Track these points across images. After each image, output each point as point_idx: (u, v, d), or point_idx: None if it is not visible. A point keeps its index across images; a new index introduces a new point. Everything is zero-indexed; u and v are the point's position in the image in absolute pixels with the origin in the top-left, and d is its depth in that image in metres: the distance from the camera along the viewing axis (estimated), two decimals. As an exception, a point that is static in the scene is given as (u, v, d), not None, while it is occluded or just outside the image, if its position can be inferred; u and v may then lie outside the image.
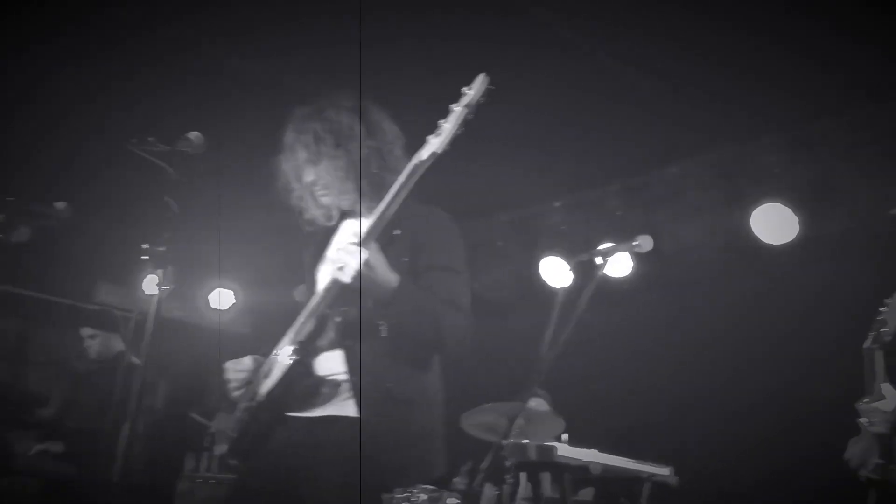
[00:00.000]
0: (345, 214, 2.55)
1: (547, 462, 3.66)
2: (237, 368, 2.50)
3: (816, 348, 4.49)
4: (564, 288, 5.07)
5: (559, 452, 3.64)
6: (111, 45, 4.33)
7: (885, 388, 2.83)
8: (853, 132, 4.57)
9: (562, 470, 3.72)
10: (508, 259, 6.30)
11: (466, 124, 2.25)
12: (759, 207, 4.75)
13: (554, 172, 5.50)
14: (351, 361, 2.37)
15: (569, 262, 5.69)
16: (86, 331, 5.51)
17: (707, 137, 4.88)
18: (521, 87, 4.11)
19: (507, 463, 3.59)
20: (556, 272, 5.88)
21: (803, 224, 4.70)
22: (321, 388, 2.39)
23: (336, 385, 2.38)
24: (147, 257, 2.19)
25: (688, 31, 4.00)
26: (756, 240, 4.80)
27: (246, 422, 2.45)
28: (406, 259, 2.38)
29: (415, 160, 2.26)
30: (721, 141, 4.95)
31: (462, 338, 2.41)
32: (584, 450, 3.77)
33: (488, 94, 2.24)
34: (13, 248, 3.20)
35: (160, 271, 2.19)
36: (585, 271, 3.83)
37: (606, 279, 5.06)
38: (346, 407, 2.36)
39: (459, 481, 4.37)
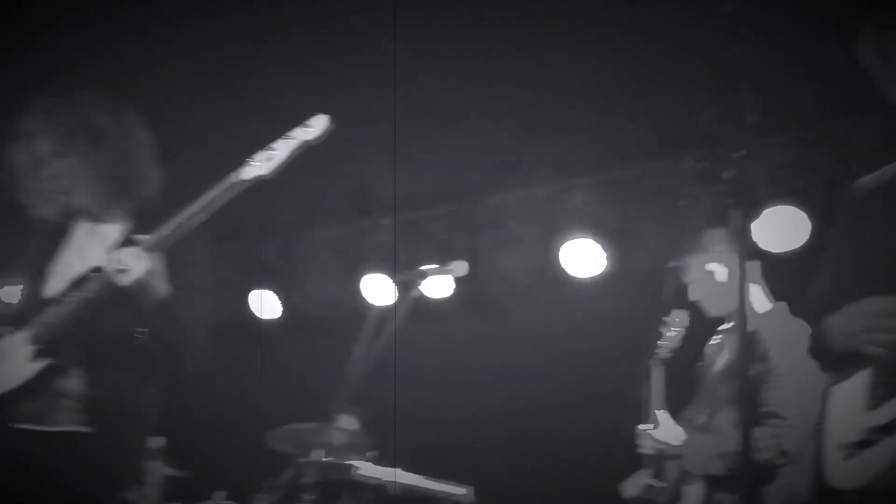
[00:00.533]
0: (87, 215, 2.43)
1: (345, 481, 3.67)
2: None
3: (610, 373, 4.78)
4: (382, 306, 5.13)
5: (359, 471, 3.66)
6: None
7: (661, 414, 3.08)
8: (658, 180, 4.95)
9: (361, 489, 3.74)
10: (331, 275, 6.27)
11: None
12: (570, 242, 5.03)
13: (382, 192, 5.56)
14: (94, 376, 2.26)
15: (392, 281, 5.76)
16: None
17: (525, 173, 5.13)
18: (349, 108, 4.13)
19: (303, 481, 3.56)
20: (378, 290, 5.91)
21: (610, 260, 5.02)
22: (60, 401, 2.24)
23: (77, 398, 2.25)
24: None
25: (511, 69, 4.18)
26: (564, 272, 5.07)
27: None
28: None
29: (233, 178, 2.21)
30: (539, 177, 5.21)
31: (201, 361, 2.41)
32: (385, 468, 3.81)
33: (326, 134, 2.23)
34: None
35: None
36: (406, 290, 3.90)
37: (426, 299, 5.21)
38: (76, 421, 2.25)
39: (262, 497, 4.28)
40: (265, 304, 6.40)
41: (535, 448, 5.03)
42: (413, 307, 3.74)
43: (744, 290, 1.37)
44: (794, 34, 3.55)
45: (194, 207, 2.21)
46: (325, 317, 6.30)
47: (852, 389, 1.71)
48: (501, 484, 4.61)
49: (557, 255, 5.06)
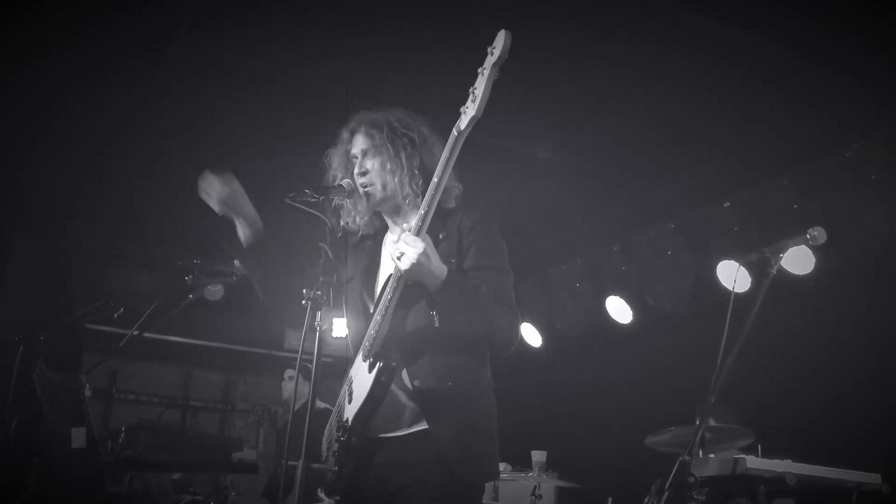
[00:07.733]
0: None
1: (736, 475, 3.48)
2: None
3: None
4: (739, 292, 4.81)
5: (749, 465, 3.45)
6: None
7: None
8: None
9: (754, 483, 3.51)
10: (679, 268, 6.09)
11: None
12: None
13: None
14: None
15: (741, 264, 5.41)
16: (288, 372, 6.01)
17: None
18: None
19: (691, 479, 3.44)
20: (732, 276, 5.58)
21: None
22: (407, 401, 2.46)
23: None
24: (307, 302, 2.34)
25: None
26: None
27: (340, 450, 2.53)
28: (453, 261, 2.41)
29: (454, 132, 2.22)
30: None
31: (511, 335, 2.46)
32: (777, 460, 3.55)
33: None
34: (208, 305, 3.52)
35: (319, 313, 2.32)
36: (761, 271, 3.62)
37: (786, 276, 4.78)
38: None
39: (650, 501, 4.23)
40: (620, 309, 6.41)
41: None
42: (771, 288, 3.46)
43: None
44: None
45: (437, 174, 2.26)
46: (681, 313, 6.11)
47: None
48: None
49: None
